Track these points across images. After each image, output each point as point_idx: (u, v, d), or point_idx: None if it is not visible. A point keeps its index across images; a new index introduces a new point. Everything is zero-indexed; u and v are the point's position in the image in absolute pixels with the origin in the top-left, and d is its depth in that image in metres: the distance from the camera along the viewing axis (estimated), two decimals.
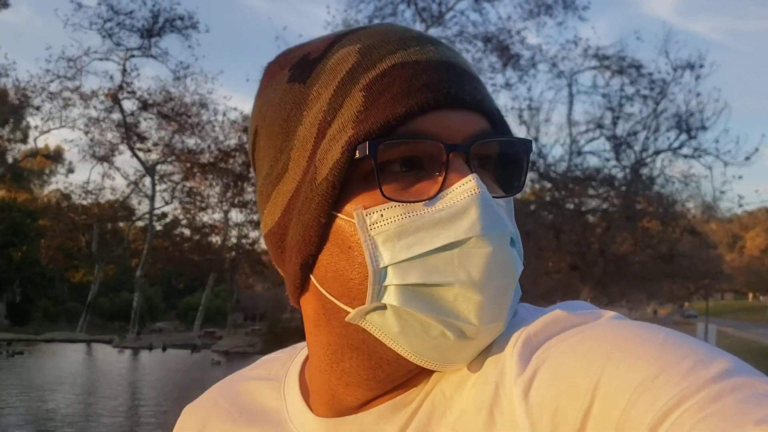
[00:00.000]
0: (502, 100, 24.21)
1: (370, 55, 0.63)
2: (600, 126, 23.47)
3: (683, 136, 22.79)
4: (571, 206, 23.49)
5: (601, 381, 0.52)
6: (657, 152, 23.53)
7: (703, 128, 22.49)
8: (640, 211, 22.69)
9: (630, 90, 23.01)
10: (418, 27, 24.88)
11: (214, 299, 66.49)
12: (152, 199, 33.62)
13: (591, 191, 23.74)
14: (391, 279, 0.59)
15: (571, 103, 24.53)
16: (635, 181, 22.98)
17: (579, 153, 23.97)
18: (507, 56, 23.59)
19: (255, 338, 34.26)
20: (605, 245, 22.72)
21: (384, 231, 0.59)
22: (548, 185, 23.51)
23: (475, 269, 0.57)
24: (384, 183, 0.59)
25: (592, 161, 23.56)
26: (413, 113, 0.58)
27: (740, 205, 36.55)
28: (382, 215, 0.59)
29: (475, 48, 24.32)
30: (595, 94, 23.58)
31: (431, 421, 0.62)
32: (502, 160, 0.63)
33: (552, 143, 24.98)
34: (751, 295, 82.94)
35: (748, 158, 22.21)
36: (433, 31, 24.68)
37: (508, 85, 24.31)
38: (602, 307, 0.64)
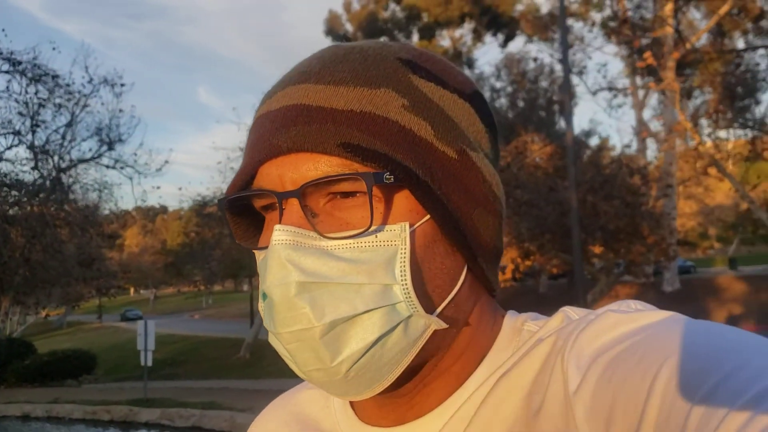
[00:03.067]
0: None
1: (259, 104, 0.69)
2: (18, 133, 22.84)
3: (104, 147, 24.30)
4: None
5: (656, 386, 0.49)
6: (78, 162, 24.37)
7: (121, 141, 24.46)
8: (60, 219, 23.06)
9: (44, 97, 23.18)
10: None
11: None
12: None
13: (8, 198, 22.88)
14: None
15: None
16: (57, 189, 23.23)
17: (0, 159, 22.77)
18: None
19: None
20: (29, 253, 22.36)
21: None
22: None
23: (269, 321, 0.60)
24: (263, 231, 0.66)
25: (9, 167, 22.72)
26: (248, 169, 0.63)
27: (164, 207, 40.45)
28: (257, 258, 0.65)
29: None
30: (10, 99, 22.84)
31: (481, 428, 0.62)
32: (348, 196, 0.61)
33: None
34: (132, 290, 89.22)
35: (159, 170, 25.23)
36: None
37: None
38: None
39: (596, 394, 0.54)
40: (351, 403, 0.73)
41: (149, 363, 16.44)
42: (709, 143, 19.02)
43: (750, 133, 20.75)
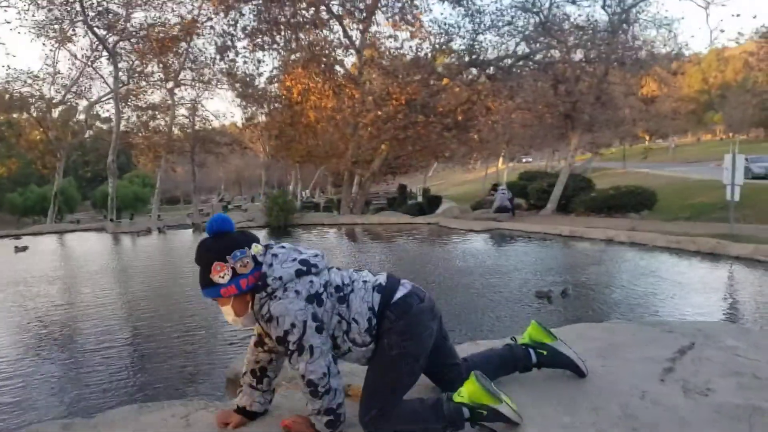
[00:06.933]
0: None
1: None
2: None
3: None
4: (566, 56, 24.01)
5: None
6: None
7: None
8: (633, 59, 23.17)
9: None
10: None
11: (129, 186, 63.47)
12: (116, 79, 30.73)
13: (574, 40, 24.19)
14: None
15: None
16: (619, 28, 23.71)
17: (573, 2, 24.24)
18: None
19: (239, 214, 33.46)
20: (602, 93, 23.69)
21: None
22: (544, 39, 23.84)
23: None
24: None
25: (573, 9, 24.08)
26: None
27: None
28: None
29: None
30: None
31: None
32: None
33: None
34: (648, 138, 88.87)
35: None
36: None
37: None
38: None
39: None
40: None
41: (736, 198, 16.01)
42: None
43: None
